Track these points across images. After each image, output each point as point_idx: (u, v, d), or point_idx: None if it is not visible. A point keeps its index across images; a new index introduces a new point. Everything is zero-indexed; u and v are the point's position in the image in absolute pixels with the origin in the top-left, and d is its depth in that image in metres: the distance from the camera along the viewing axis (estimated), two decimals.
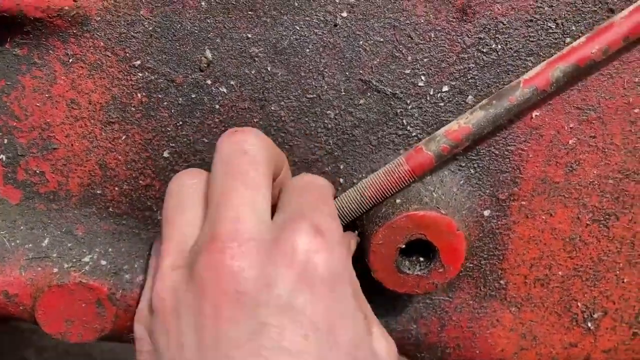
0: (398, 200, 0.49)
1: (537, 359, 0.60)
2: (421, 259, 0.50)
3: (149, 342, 0.42)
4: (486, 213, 0.54)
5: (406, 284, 0.49)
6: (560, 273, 0.56)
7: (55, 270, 0.51)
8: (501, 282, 0.56)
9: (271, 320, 0.36)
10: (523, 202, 0.53)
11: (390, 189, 0.49)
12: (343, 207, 0.49)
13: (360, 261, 0.51)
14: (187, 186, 0.43)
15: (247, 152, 0.41)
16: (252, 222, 0.38)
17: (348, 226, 0.51)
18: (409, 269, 0.50)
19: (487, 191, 0.53)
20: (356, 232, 0.52)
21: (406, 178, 0.48)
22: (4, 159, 0.51)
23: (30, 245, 0.52)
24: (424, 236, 0.48)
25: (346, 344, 0.38)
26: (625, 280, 0.57)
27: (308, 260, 0.38)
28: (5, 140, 0.50)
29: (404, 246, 0.48)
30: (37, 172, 0.51)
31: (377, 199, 0.49)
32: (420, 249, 0.50)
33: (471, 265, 0.56)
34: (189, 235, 0.40)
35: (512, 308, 0.58)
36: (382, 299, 0.57)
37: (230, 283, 0.36)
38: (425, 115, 0.50)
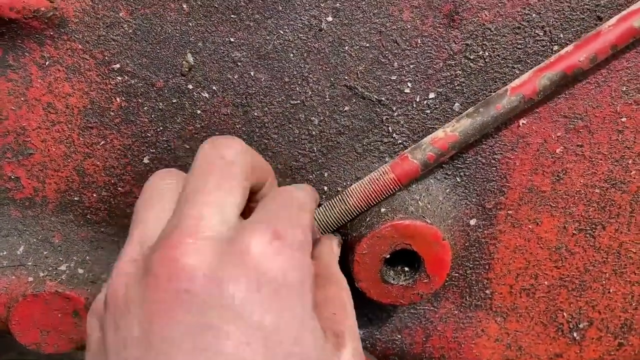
0: (383, 210, 0.48)
1: None
2: (406, 268, 0.50)
3: (98, 335, 0.40)
4: (472, 222, 0.53)
5: (390, 294, 0.49)
6: (546, 283, 0.56)
7: (31, 279, 0.50)
8: (487, 291, 0.56)
9: (215, 323, 0.34)
10: (509, 211, 0.53)
11: (375, 197, 0.48)
12: (326, 216, 0.48)
13: (344, 270, 0.50)
14: (161, 184, 0.42)
15: (224, 156, 0.40)
16: (214, 222, 0.37)
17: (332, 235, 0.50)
18: (393, 279, 0.49)
19: (474, 200, 0.52)
20: (339, 235, 0.51)
21: (391, 186, 0.47)
22: None
23: (4, 253, 0.50)
24: (409, 246, 0.47)
25: (297, 356, 0.37)
26: (611, 290, 0.56)
27: (260, 264, 0.36)
28: None
29: (388, 256, 0.47)
30: (12, 177, 0.50)
31: (362, 207, 0.48)
32: (405, 258, 0.49)
33: (457, 274, 0.55)
34: (153, 230, 0.39)
35: (498, 318, 0.57)
36: (366, 309, 0.56)
37: (179, 280, 0.35)
38: (411, 123, 0.50)
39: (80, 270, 0.51)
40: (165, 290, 0.35)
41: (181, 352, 0.33)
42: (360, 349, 0.43)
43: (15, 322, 0.49)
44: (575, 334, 0.58)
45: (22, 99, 0.48)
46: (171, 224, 0.37)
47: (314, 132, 0.50)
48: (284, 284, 0.36)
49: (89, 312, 0.41)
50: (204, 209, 0.37)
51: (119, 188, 0.50)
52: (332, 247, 0.49)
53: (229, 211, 0.38)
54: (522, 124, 0.50)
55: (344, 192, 0.48)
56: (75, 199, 0.50)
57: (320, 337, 0.38)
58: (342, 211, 0.48)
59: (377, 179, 0.47)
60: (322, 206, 0.48)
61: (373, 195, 0.48)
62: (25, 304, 0.49)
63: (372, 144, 0.50)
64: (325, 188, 0.51)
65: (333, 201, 0.48)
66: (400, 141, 0.50)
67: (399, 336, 0.57)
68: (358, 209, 0.48)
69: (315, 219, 0.47)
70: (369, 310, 0.56)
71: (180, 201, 0.38)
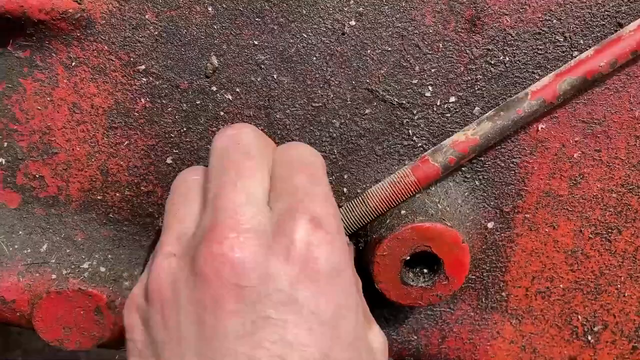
0: (403, 212, 0.49)
1: None
2: (425, 270, 0.50)
3: (143, 331, 0.41)
4: (490, 225, 0.53)
5: (410, 295, 0.49)
6: (561, 286, 0.56)
7: (54, 276, 0.51)
8: (503, 294, 0.56)
9: (273, 314, 0.35)
10: (527, 215, 0.53)
11: (395, 199, 0.48)
12: (347, 217, 0.48)
13: (363, 272, 0.51)
14: (189, 181, 0.43)
15: (239, 142, 0.40)
16: (250, 213, 0.37)
17: (351, 237, 0.51)
18: (412, 280, 0.49)
19: (492, 203, 0.53)
20: (351, 243, 0.51)
21: (411, 189, 0.48)
22: (3, 162, 0.50)
23: (28, 250, 0.51)
24: (429, 248, 0.48)
25: (348, 336, 0.38)
26: (626, 294, 0.57)
27: (308, 254, 0.37)
28: (5, 144, 0.49)
29: (408, 258, 0.48)
30: (37, 176, 0.50)
31: (381, 209, 0.48)
32: (424, 260, 0.50)
33: (473, 277, 0.55)
34: (189, 226, 0.40)
35: (513, 320, 0.57)
36: (382, 309, 0.56)
37: (231, 275, 0.35)
38: (431, 126, 0.50)
39: (102, 269, 0.51)
40: (215, 286, 0.35)
41: (239, 342, 0.34)
42: (376, 325, 0.45)
43: (39, 319, 0.50)
44: (589, 337, 0.59)
45: (48, 98, 0.48)
46: (209, 219, 0.37)
47: (334, 135, 0.50)
48: (332, 270, 0.37)
49: (126, 308, 0.41)
50: (235, 200, 0.37)
51: (142, 187, 0.51)
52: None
53: (258, 196, 0.38)
54: (541, 128, 0.50)
55: (364, 194, 0.49)
56: (99, 197, 0.51)
57: (362, 315, 0.39)
58: (362, 213, 0.48)
59: (397, 182, 0.48)
60: (342, 207, 0.49)
61: (393, 198, 0.48)
62: (49, 300, 0.49)
63: (392, 146, 0.51)
64: (345, 190, 0.52)
65: (353, 203, 0.49)
66: (420, 144, 0.51)
67: (415, 337, 0.57)
68: (378, 211, 0.48)
69: None
70: (385, 311, 0.56)
71: (210, 195, 0.39)
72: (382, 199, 0.48)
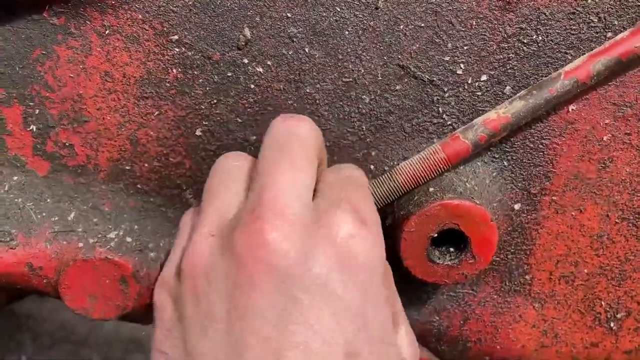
0: (431, 189, 0.49)
1: (557, 357, 0.60)
2: (451, 249, 0.50)
3: (173, 309, 0.41)
4: (517, 207, 0.53)
5: (436, 273, 0.49)
6: (585, 271, 0.56)
7: (81, 244, 0.51)
8: (526, 277, 0.56)
9: (302, 296, 0.35)
10: (554, 197, 0.53)
11: (424, 176, 0.48)
12: (375, 192, 0.48)
13: (388, 249, 0.50)
14: (232, 166, 0.43)
15: (299, 135, 0.41)
16: (295, 202, 0.38)
17: (379, 212, 0.51)
18: (439, 258, 0.49)
19: (519, 184, 0.52)
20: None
21: (441, 166, 0.48)
22: (34, 129, 0.50)
23: (56, 218, 0.51)
24: (457, 226, 0.47)
25: (374, 330, 0.38)
26: None
27: (349, 246, 0.38)
28: (37, 111, 0.50)
29: (436, 235, 0.48)
30: (67, 144, 0.51)
31: (410, 185, 0.48)
32: (451, 239, 0.50)
33: (498, 259, 0.55)
34: (230, 208, 0.40)
35: (536, 304, 0.57)
36: (406, 289, 0.56)
37: (267, 254, 0.36)
38: (461, 104, 0.50)
39: (129, 239, 0.51)
40: (250, 265, 0.36)
41: (267, 323, 0.34)
42: (411, 330, 0.44)
43: (65, 287, 0.50)
44: (612, 324, 0.58)
45: (81, 66, 0.49)
46: (253, 202, 0.38)
47: (364, 111, 0.50)
48: (369, 266, 0.38)
49: (157, 287, 0.42)
50: (284, 188, 0.38)
51: (171, 159, 0.51)
52: None
53: (304, 190, 0.39)
54: (572, 109, 0.50)
55: (393, 170, 0.49)
56: (127, 168, 0.51)
57: (390, 315, 0.39)
58: (390, 189, 0.48)
59: (427, 158, 0.48)
60: (370, 183, 0.49)
61: (422, 174, 0.48)
62: (76, 268, 0.50)
63: (421, 124, 0.51)
64: (372, 167, 0.52)
65: (382, 178, 0.49)
66: (449, 122, 0.50)
67: (437, 318, 0.57)
68: (406, 187, 0.48)
69: None
70: (408, 291, 0.56)
71: (258, 179, 0.39)
72: (410, 175, 0.48)
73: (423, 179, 0.48)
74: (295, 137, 0.41)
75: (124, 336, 1.69)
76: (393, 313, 0.43)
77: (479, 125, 0.47)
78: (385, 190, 0.48)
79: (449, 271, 0.49)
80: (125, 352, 1.65)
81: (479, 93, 0.50)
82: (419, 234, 0.48)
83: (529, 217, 0.53)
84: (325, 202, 0.40)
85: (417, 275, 0.49)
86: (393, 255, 0.50)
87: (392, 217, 0.51)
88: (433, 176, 0.48)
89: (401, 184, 0.48)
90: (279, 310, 0.35)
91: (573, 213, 0.54)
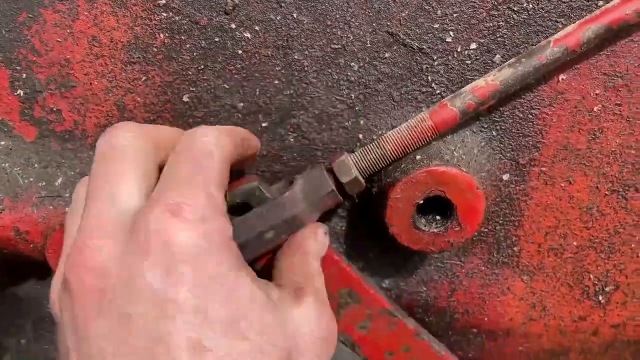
0: (418, 157, 0.49)
1: (544, 330, 0.60)
2: (438, 217, 0.50)
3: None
4: (505, 177, 0.53)
5: (421, 240, 0.49)
6: (574, 243, 0.56)
7: (67, 209, 0.51)
8: (515, 249, 0.56)
9: (134, 310, 0.35)
10: (543, 168, 0.53)
11: (412, 144, 0.48)
12: (362, 161, 0.48)
13: (376, 218, 0.51)
14: (79, 193, 0.43)
15: (114, 146, 0.40)
16: (112, 215, 0.37)
17: (367, 181, 0.50)
18: (424, 226, 0.49)
19: (508, 155, 0.52)
20: (324, 227, 0.48)
21: (429, 134, 0.47)
22: (21, 94, 0.50)
23: (43, 183, 0.51)
24: (442, 193, 0.47)
25: (234, 311, 0.36)
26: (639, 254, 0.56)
27: (163, 244, 0.35)
28: (24, 75, 0.50)
29: (422, 202, 0.48)
30: (54, 109, 0.51)
31: (398, 153, 0.48)
32: (438, 207, 0.49)
33: (486, 230, 0.55)
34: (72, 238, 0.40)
35: (524, 276, 0.57)
36: (393, 259, 0.56)
37: (92, 282, 0.36)
38: (450, 73, 0.50)
39: None
40: (82, 295, 0.36)
41: (111, 342, 0.35)
42: (325, 302, 0.43)
43: (52, 251, 0.50)
44: (600, 297, 0.58)
45: (68, 31, 0.48)
46: (78, 228, 0.38)
47: (352, 78, 0.50)
48: (194, 256, 0.36)
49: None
50: (99, 205, 0.38)
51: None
52: (312, 228, 0.47)
53: (124, 198, 0.38)
54: (562, 79, 0.50)
55: (381, 138, 0.48)
56: None
57: (258, 289, 0.38)
58: (378, 157, 0.48)
59: (414, 126, 0.47)
60: (359, 151, 0.49)
61: (410, 142, 0.48)
62: (62, 233, 0.49)
63: (410, 92, 0.50)
64: (361, 136, 0.52)
65: (369, 147, 0.48)
66: (438, 91, 0.50)
67: (424, 289, 0.57)
68: (394, 156, 0.48)
69: (353, 165, 0.47)
70: (395, 261, 0.56)
71: (86, 201, 0.39)
72: (398, 143, 0.47)
73: (411, 146, 0.48)
74: (111, 150, 0.39)
75: None
76: (295, 288, 0.43)
77: (467, 93, 0.47)
78: (373, 158, 0.48)
79: (435, 239, 0.49)
80: None
81: (468, 61, 0.49)
82: (404, 201, 0.47)
83: (517, 188, 0.53)
84: (147, 201, 0.38)
85: (402, 243, 0.49)
86: (379, 223, 0.50)
87: (379, 185, 0.51)
88: (421, 144, 0.48)
89: (389, 152, 0.48)
90: (116, 328, 0.35)
91: (562, 184, 0.53)
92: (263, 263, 0.49)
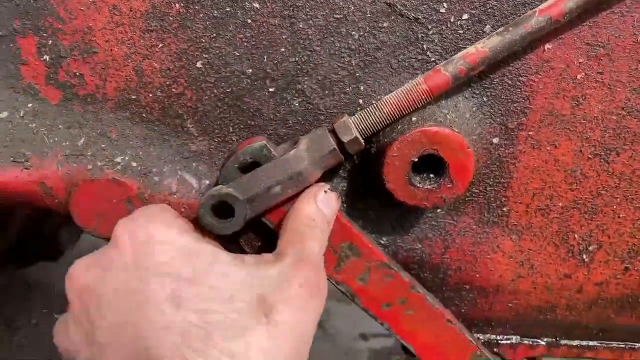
0: (414, 119, 0.53)
1: (532, 287, 0.64)
2: (432, 175, 0.54)
3: None
4: (495, 140, 0.57)
5: (416, 196, 0.53)
6: (560, 204, 0.60)
7: (90, 167, 0.55)
8: (504, 209, 0.60)
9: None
10: (530, 132, 0.57)
11: (408, 106, 0.52)
12: (362, 122, 0.52)
13: (373, 178, 0.55)
14: None
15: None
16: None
17: (366, 142, 0.54)
18: (419, 183, 0.53)
19: (498, 119, 0.56)
20: (327, 185, 0.53)
21: (423, 97, 0.51)
22: (47, 59, 0.54)
23: (67, 143, 0.56)
24: (435, 151, 0.51)
25: (192, 278, 0.44)
26: (621, 215, 0.60)
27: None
28: (50, 42, 0.54)
29: (416, 159, 0.52)
30: (77, 74, 0.55)
31: (395, 115, 0.52)
32: (431, 167, 0.53)
33: (477, 190, 0.59)
34: None
35: (513, 235, 0.61)
36: (390, 217, 0.60)
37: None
38: (444, 42, 0.54)
39: (134, 164, 0.56)
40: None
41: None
42: (308, 260, 0.48)
43: (75, 205, 0.54)
44: (584, 256, 0.62)
45: (91, 0, 0.52)
46: None
47: (353, 46, 0.54)
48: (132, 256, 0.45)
49: None
50: None
51: (173, 89, 0.55)
52: (311, 191, 0.52)
53: None
54: (547, 48, 0.54)
55: (379, 101, 0.52)
56: (133, 97, 0.55)
57: (223, 252, 0.46)
58: (376, 119, 0.52)
59: (410, 90, 0.51)
60: (359, 113, 0.53)
61: (406, 105, 0.52)
62: (85, 188, 0.54)
63: (407, 60, 0.54)
64: (361, 101, 0.56)
65: (369, 110, 0.52)
66: (433, 59, 0.54)
67: (419, 246, 0.61)
68: (391, 117, 0.52)
69: (353, 126, 0.51)
70: (392, 220, 0.60)
71: None
72: (395, 106, 0.51)
73: (407, 109, 0.52)
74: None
75: None
76: (278, 252, 0.49)
77: (458, 59, 0.51)
78: (372, 120, 0.52)
79: (429, 194, 0.53)
80: None
81: (461, 31, 0.53)
82: (400, 159, 0.52)
83: (506, 151, 0.57)
84: None
85: (398, 198, 0.53)
86: (377, 182, 0.54)
87: (377, 145, 0.55)
88: (416, 107, 0.52)
89: (387, 114, 0.52)
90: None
91: (548, 148, 0.57)
92: (277, 221, 0.53)
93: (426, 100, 0.52)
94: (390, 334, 0.61)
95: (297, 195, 0.51)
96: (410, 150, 0.51)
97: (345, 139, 0.51)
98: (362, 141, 0.52)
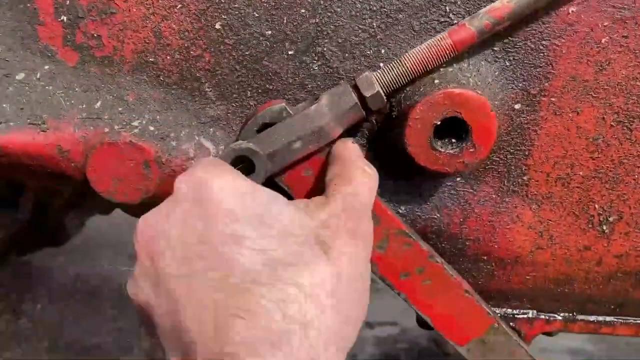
0: (436, 81, 0.52)
1: (551, 259, 0.63)
2: (453, 140, 0.53)
3: None
4: (517, 106, 0.56)
5: (438, 161, 0.52)
6: (581, 173, 0.59)
7: (107, 130, 0.54)
8: (524, 178, 0.59)
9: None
10: (553, 99, 0.56)
11: (431, 62, 0.51)
12: (385, 77, 0.51)
13: (395, 142, 0.54)
14: None
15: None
16: None
17: (388, 98, 0.53)
18: (441, 147, 0.52)
19: (520, 85, 0.55)
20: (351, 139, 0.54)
21: (447, 52, 0.50)
22: (64, 20, 0.53)
23: (83, 106, 0.55)
24: (459, 114, 0.51)
25: (250, 217, 0.43)
26: None
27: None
28: (67, 2, 0.53)
29: (439, 123, 0.51)
30: (95, 35, 0.54)
31: (418, 71, 0.51)
32: (453, 132, 0.53)
33: (497, 158, 0.58)
34: None
35: (533, 205, 0.61)
36: (408, 186, 0.60)
37: None
38: (467, 3, 0.53)
39: (151, 127, 0.55)
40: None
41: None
42: (354, 206, 0.47)
43: (92, 169, 0.54)
44: (604, 227, 0.61)
45: None
46: None
47: (375, 8, 0.53)
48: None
49: None
50: None
51: (191, 52, 0.54)
52: (343, 143, 0.52)
53: None
54: (572, 11, 0.53)
55: (402, 56, 0.51)
56: (151, 60, 0.55)
57: (278, 195, 0.45)
58: (398, 74, 0.51)
59: (434, 45, 0.50)
60: (382, 68, 0.51)
61: (429, 60, 0.51)
62: (102, 151, 0.53)
63: (429, 22, 0.53)
64: (381, 64, 0.55)
65: (391, 65, 0.51)
66: (455, 21, 0.53)
67: (438, 215, 0.61)
68: (414, 73, 0.51)
69: (375, 80, 0.50)
70: (411, 189, 0.60)
71: None
72: (418, 61, 0.50)
73: (430, 64, 0.51)
74: None
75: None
76: (327, 195, 0.47)
77: (484, 14, 0.50)
78: (395, 75, 0.51)
79: (451, 159, 0.52)
80: None
81: None
82: (423, 121, 0.51)
83: (528, 117, 0.57)
84: None
85: (420, 162, 0.52)
86: (398, 146, 0.53)
87: (398, 109, 0.54)
88: (440, 62, 0.51)
89: (409, 69, 0.51)
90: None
91: (570, 115, 0.57)
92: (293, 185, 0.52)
93: (450, 55, 0.51)
94: (408, 304, 0.60)
95: (317, 151, 0.50)
96: (433, 113, 0.51)
97: (367, 93, 0.50)
98: (384, 97, 0.51)
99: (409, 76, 0.51)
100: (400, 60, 0.51)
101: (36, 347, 1.52)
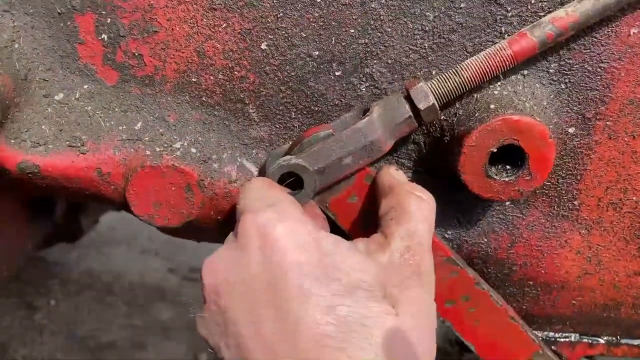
0: (492, 106, 0.50)
1: (599, 284, 0.61)
2: (507, 167, 0.51)
3: None
4: (571, 130, 0.54)
5: (492, 189, 0.50)
6: (634, 198, 0.57)
7: (148, 152, 0.53)
8: (575, 202, 0.57)
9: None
10: (608, 122, 0.54)
11: (489, 72, 0.48)
12: (440, 88, 0.49)
13: (444, 167, 0.52)
14: None
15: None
16: None
17: (441, 110, 0.51)
18: (496, 175, 0.50)
19: (575, 108, 0.53)
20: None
21: (506, 62, 0.48)
22: (105, 38, 0.52)
23: (124, 127, 0.53)
24: (516, 141, 0.49)
25: (316, 271, 0.42)
26: None
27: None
28: (109, 20, 0.51)
29: (495, 150, 0.49)
30: (136, 54, 0.52)
31: (475, 81, 0.49)
32: (506, 157, 0.51)
33: (548, 183, 0.56)
34: None
35: (582, 230, 0.59)
36: (454, 210, 0.58)
37: None
38: (524, 24, 0.51)
39: (193, 150, 0.53)
40: None
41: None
42: (417, 250, 0.45)
43: (133, 192, 0.52)
44: None
45: None
46: None
47: (427, 28, 0.51)
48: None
49: None
50: None
51: (235, 72, 0.52)
52: (388, 171, 0.51)
53: None
54: (633, 33, 0.51)
55: (458, 66, 0.49)
56: (193, 80, 0.53)
57: (341, 240, 0.43)
58: (455, 84, 0.49)
59: (493, 54, 0.48)
60: (436, 78, 0.49)
61: (487, 70, 0.48)
62: (143, 174, 0.51)
63: (483, 44, 0.51)
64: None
65: (447, 74, 0.49)
66: None
67: (485, 240, 0.59)
68: (471, 84, 0.49)
69: (430, 90, 0.48)
70: (458, 212, 0.58)
71: None
72: (476, 71, 0.48)
73: (488, 74, 0.48)
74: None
75: (148, 285, 1.74)
76: (384, 234, 0.46)
77: (546, 23, 0.48)
78: (450, 86, 0.49)
79: (505, 187, 0.50)
80: (148, 300, 1.70)
81: (542, 13, 0.50)
82: (479, 149, 0.49)
83: (582, 141, 0.54)
84: None
85: (473, 190, 0.50)
86: (449, 172, 0.51)
87: (450, 134, 0.52)
88: (498, 72, 0.48)
89: (466, 79, 0.48)
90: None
91: (626, 139, 0.54)
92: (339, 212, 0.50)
93: (509, 66, 0.49)
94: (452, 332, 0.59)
95: (367, 166, 0.49)
96: (489, 140, 0.49)
97: (422, 105, 0.48)
98: (439, 109, 0.49)
99: (465, 87, 0.48)
100: (456, 70, 0.49)
101: (51, 343, 1.52)
